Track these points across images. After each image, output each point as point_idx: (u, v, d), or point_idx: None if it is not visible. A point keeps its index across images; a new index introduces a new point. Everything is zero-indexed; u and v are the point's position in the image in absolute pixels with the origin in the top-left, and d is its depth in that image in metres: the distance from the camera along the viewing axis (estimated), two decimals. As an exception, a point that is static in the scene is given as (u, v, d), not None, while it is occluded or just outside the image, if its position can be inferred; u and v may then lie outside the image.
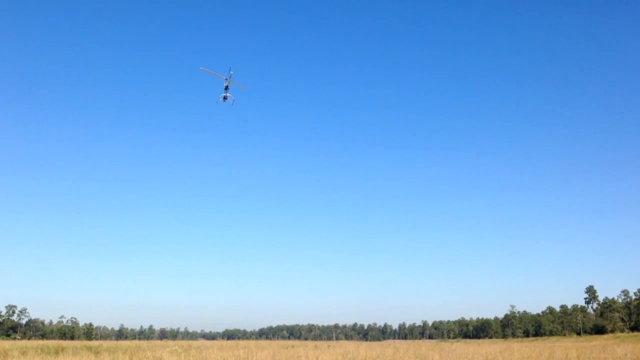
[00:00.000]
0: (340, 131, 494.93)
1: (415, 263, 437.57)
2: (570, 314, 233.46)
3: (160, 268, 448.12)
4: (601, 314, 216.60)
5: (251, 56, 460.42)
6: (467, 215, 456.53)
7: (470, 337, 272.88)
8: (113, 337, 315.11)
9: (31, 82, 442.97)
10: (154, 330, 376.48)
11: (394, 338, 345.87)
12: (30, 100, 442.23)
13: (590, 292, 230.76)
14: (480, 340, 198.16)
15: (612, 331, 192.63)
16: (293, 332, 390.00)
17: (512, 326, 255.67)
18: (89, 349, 59.32)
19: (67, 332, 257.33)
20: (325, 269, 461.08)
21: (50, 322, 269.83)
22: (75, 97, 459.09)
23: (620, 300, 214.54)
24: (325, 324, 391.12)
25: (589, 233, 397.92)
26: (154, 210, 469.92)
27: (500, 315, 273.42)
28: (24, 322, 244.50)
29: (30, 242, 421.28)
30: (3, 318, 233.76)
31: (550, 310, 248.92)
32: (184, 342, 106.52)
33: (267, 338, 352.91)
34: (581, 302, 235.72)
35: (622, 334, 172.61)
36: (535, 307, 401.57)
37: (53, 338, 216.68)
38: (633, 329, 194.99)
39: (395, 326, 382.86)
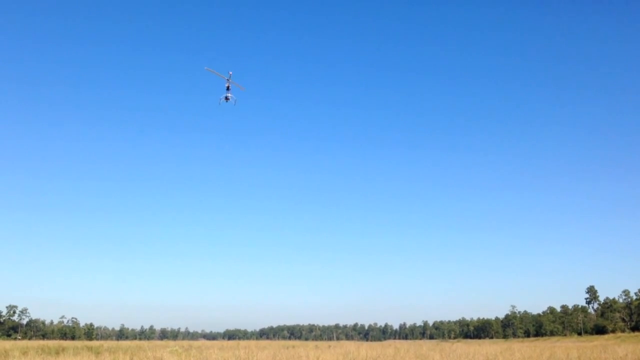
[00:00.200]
0: (340, 131, 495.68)
1: (416, 263, 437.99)
2: (571, 314, 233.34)
3: (161, 268, 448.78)
4: (602, 314, 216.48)
5: (251, 56, 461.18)
6: (468, 216, 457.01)
7: (471, 337, 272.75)
8: (114, 337, 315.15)
9: (31, 81, 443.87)
10: (155, 330, 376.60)
11: (395, 338, 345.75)
12: (30, 100, 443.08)
13: (591, 292, 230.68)
14: (481, 341, 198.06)
15: (613, 331, 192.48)
16: (294, 332, 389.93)
17: (513, 326, 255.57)
18: (90, 349, 59.35)
19: (68, 332, 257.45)
20: (325, 269, 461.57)
21: (51, 322, 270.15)
22: (75, 97, 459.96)
23: (621, 301, 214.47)
24: (326, 324, 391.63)
25: (590, 233, 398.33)
26: (154, 210, 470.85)
27: (501, 316, 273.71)
28: (24, 322, 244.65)
29: (31, 242, 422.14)
30: (4, 318, 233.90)
31: (551, 310, 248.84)
32: (185, 342, 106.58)
33: (267, 338, 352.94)
34: (582, 302, 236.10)
35: (622, 334, 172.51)
36: (536, 307, 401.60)
37: (54, 338, 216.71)
38: (634, 329, 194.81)
39: (395, 326, 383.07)
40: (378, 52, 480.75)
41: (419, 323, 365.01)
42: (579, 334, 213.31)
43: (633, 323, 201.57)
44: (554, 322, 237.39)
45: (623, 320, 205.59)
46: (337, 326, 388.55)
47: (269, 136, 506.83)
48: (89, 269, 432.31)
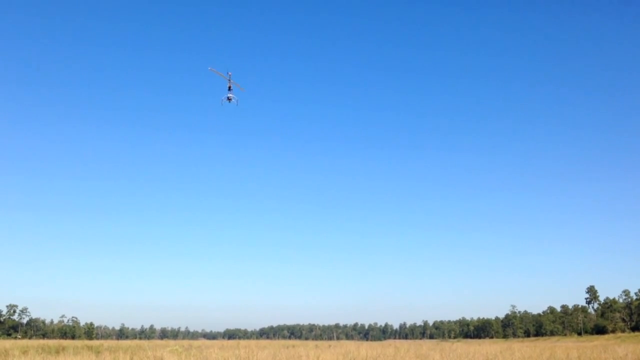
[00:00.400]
0: (339, 131, 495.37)
1: (416, 263, 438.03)
2: (571, 314, 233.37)
3: (162, 268, 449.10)
4: (602, 314, 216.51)
5: (251, 56, 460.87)
6: (468, 215, 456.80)
7: (471, 337, 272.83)
8: (114, 337, 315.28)
9: (30, 81, 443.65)
10: (155, 329, 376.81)
11: (395, 338, 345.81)
12: (30, 100, 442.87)
13: (591, 292, 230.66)
14: (481, 340, 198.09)
15: (613, 331, 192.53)
16: (294, 332, 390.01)
17: (513, 326, 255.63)
18: (90, 348, 59.36)
19: (68, 331, 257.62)
20: (326, 268, 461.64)
21: (51, 322, 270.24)
22: (75, 97, 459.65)
23: (621, 301, 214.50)
24: (326, 323, 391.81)
25: (590, 233, 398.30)
26: (155, 210, 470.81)
27: (501, 315, 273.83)
28: (24, 321, 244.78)
29: (32, 242, 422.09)
30: (4, 317, 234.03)
31: (551, 310, 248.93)
32: (185, 342, 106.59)
33: (267, 338, 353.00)
34: (582, 302, 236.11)
35: (623, 334, 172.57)
36: (536, 307, 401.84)
37: (54, 337, 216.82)
38: (634, 329, 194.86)
39: (396, 326, 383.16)
40: (378, 53, 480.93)
41: (419, 323, 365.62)
42: (579, 334, 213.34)
43: (633, 323, 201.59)
44: (554, 322, 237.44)
45: (623, 320, 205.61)
46: (337, 326, 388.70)
47: (268, 136, 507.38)
48: (90, 268, 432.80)
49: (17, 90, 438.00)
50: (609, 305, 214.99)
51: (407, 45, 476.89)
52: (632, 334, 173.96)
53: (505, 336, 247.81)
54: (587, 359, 31.56)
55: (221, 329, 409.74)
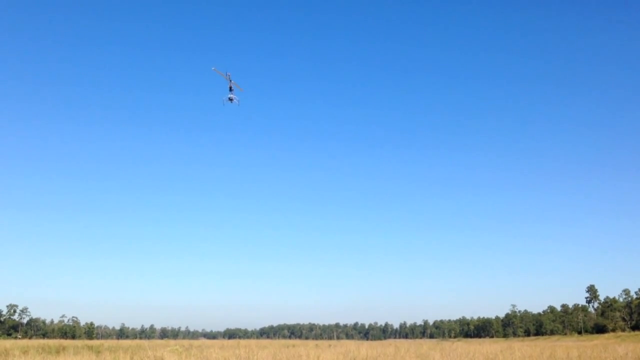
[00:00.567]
0: (340, 131, 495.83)
1: (416, 262, 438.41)
2: (571, 313, 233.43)
3: (162, 267, 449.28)
4: (602, 313, 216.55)
5: (252, 56, 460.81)
6: (468, 215, 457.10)
7: (471, 337, 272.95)
8: (114, 337, 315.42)
9: (31, 81, 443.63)
10: (155, 329, 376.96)
11: (395, 337, 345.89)
12: (30, 99, 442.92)
13: (591, 291, 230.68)
14: (481, 340, 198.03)
15: (613, 330, 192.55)
16: (294, 332, 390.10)
17: (513, 325, 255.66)
18: (90, 348, 59.32)
19: (68, 331, 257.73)
20: (326, 268, 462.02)
21: (52, 322, 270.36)
22: (75, 96, 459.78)
23: (621, 300, 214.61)
24: (326, 323, 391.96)
25: (590, 232, 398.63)
26: (155, 210, 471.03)
27: (501, 315, 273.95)
28: (25, 321, 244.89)
29: (32, 242, 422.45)
30: (4, 317, 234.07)
31: (551, 309, 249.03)
32: (185, 342, 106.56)
33: (268, 337, 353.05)
34: (582, 302, 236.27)
35: (623, 333, 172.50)
36: (536, 306, 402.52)
37: (54, 337, 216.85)
38: (634, 328, 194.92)
39: (396, 325, 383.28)
40: (378, 52, 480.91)
41: (419, 322, 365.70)
42: (579, 333, 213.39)
43: (633, 322, 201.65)
44: (554, 321, 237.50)
45: (623, 319, 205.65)
46: (337, 325, 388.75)
47: (268, 136, 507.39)
48: (90, 268, 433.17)
49: (17, 90, 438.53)
50: (609, 305, 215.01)
51: (407, 44, 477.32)
52: (632, 333, 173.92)
53: (505, 335, 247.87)
54: (587, 358, 31.54)
55: (221, 329, 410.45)
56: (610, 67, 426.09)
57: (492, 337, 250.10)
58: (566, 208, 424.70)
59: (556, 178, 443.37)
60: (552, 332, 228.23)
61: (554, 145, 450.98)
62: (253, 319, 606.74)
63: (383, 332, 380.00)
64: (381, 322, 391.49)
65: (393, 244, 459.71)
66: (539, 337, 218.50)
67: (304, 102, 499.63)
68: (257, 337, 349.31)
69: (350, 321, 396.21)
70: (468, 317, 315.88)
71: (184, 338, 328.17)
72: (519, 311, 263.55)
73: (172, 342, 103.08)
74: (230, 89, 49.67)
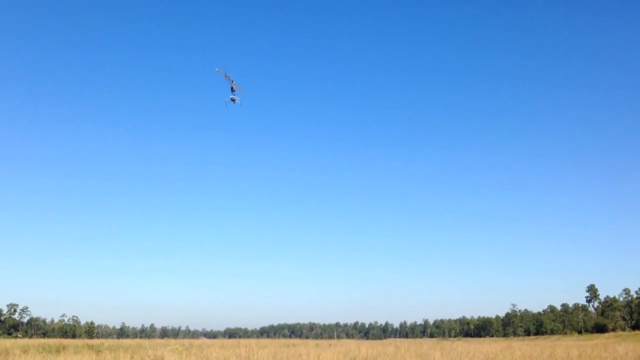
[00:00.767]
0: (340, 130, 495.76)
1: (417, 262, 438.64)
2: (571, 313, 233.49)
3: (162, 267, 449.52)
4: (602, 313, 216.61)
5: (251, 56, 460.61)
6: (468, 214, 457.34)
7: (471, 336, 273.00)
8: (114, 336, 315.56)
9: (31, 80, 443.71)
10: (156, 328, 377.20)
11: (395, 337, 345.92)
12: (30, 99, 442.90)
13: (592, 290, 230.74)
14: (482, 339, 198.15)
15: (614, 330, 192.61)
16: (294, 331, 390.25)
17: (513, 325, 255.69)
18: (90, 347, 59.31)
19: (69, 330, 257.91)
20: (326, 267, 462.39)
21: (52, 321, 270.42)
22: (75, 96, 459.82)
23: (621, 299, 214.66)
24: (327, 322, 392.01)
25: (590, 232, 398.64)
26: (155, 209, 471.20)
27: (502, 314, 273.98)
28: (25, 320, 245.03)
29: (32, 241, 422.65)
30: (4, 316, 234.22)
31: (552, 309, 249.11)
32: (186, 341, 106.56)
33: (268, 336, 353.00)
34: (582, 301, 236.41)
35: (623, 333, 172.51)
36: (536, 305, 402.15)
37: (54, 336, 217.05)
38: (634, 327, 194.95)
39: (396, 325, 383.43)
40: (379, 52, 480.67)
41: (420, 321, 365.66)
42: (580, 332, 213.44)
43: (633, 322, 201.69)
44: (554, 320, 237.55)
45: (623, 318, 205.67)
46: (337, 325, 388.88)
47: (268, 136, 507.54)
48: (90, 267, 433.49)
49: (18, 89, 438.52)
50: (609, 304, 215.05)
51: (407, 44, 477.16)
52: (632, 332, 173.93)
53: (505, 335, 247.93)
54: (587, 358, 31.53)
55: (222, 328, 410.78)
56: (610, 67, 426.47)
57: (492, 336, 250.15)
58: (566, 207, 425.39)
59: (556, 178, 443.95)
60: (552, 332, 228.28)
61: (554, 145, 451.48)
62: (253, 319, 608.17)
63: (383, 332, 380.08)
64: (381, 322, 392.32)
65: (393, 244, 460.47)
66: (539, 336, 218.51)
67: (304, 102, 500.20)
68: (258, 337, 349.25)
69: (350, 320, 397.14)
70: (468, 316, 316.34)
71: (184, 337, 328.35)
72: (519, 310, 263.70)
73: (172, 341, 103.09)
74: (232, 90, 49.69)
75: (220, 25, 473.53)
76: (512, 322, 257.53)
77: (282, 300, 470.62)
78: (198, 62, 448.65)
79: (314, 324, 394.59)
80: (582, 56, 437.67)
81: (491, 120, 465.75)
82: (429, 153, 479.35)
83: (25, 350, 46.83)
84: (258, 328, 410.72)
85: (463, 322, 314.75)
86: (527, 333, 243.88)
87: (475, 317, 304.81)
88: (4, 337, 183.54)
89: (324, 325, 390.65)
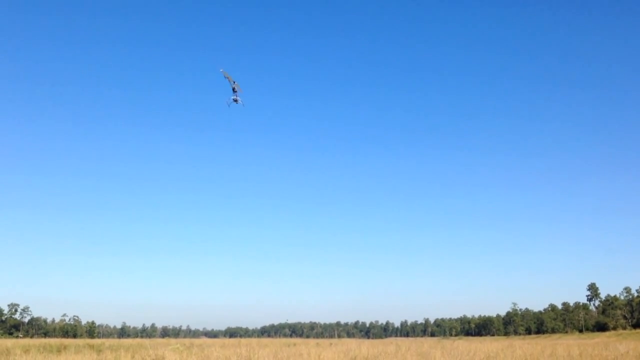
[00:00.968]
0: (340, 130, 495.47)
1: (417, 261, 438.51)
2: (572, 312, 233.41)
3: (163, 266, 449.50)
4: (603, 311, 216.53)
5: (251, 56, 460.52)
6: (469, 213, 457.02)
7: (472, 335, 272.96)
8: (115, 335, 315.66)
9: (31, 81, 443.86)
10: (156, 328, 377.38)
11: (396, 336, 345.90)
12: (30, 99, 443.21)
13: (592, 289, 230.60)
14: (482, 338, 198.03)
15: (614, 328, 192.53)
16: (295, 330, 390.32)
17: (514, 324, 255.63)
18: (91, 347, 59.36)
19: (70, 330, 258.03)
20: (327, 267, 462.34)
21: (53, 321, 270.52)
22: (74, 96, 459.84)
23: (622, 298, 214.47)
24: (327, 321, 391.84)
25: (591, 230, 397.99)
26: (156, 209, 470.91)
27: (502, 313, 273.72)
28: (26, 320, 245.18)
29: (33, 241, 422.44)
30: (5, 316, 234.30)
31: (552, 307, 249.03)
32: (186, 340, 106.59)
33: (269, 336, 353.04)
34: (583, 300, 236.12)
35: (624, 331, 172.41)
36: (537, 304, 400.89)
37: (55, 336, 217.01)
38: (635, 326, 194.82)
39: (397, 324, 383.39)
40: (379, 51, 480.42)
41: (420, 321, 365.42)
42: (580, 331, 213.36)
43: (634, 320, 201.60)
44: (555, 319, 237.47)
45: (624, 317, 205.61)
46: (338, 324, 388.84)
47: (269, 135, 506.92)
48: (91, 267, 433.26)
49: (17, 90, 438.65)
50: (610, 303, 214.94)
51: (408, 43, 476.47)
52: (633, 331, 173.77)
53: (506, 334, 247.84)
54: (588, 356, 31.53)
55: (222, 328, 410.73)
56: (611, 66, 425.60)
57: (493, 335, 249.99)
58: (567, 206, 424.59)
59: (557, 176, 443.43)
60: (553, 331, 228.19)
61: (554, 143, 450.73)
62: (254, 318, 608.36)
63: (384, 331, 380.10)
64: (382, 321, 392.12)
65: (394, 243, 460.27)
66: (540, 335, 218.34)
67: (304, 101, 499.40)
68: (258, 336, 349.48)
69: (351, 320, 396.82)
70: (469, 315, 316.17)
71: (185, 337, 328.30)
72: (520, 309, 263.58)
73: (173, 340, 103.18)
74: (234, 91, 49.73)
75: (221, 24, 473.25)
76: (513, 321, 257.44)
77: (283, 299, 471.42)
78: (198, 61, 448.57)
79: (314, 323, 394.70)
80: (582, 55, 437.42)
81: (491, 119, 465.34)
82: (430, 152, 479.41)
83: (26, 350, 46.88)
84: (259, 327, 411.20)
85: (464, 321, 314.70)
86: (528, 332, 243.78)
87: (476, 316, 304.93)
88: (5, 337, 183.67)
89: (324, 324, 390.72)
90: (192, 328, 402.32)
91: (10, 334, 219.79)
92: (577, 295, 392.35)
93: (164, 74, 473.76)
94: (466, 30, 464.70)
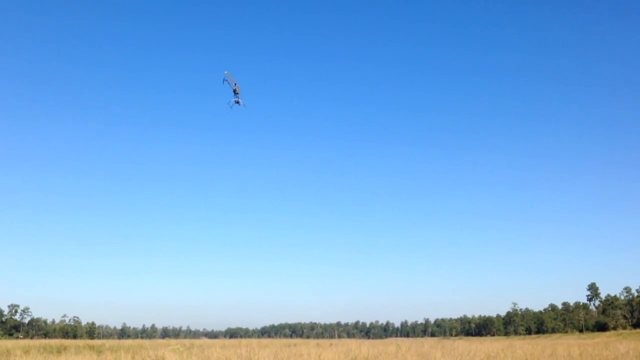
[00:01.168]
0: (340, 129, 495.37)
1: (417, 261, 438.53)
2: (572, 311, 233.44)
3: (163, 267, 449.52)
4: (603, 311, 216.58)
5: (252, 56, 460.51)
6: (469, 213, 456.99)
7: (472, 335, 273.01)
8: (115, 336, 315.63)
9: (31, 81, 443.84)
10: (157, 329, 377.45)
11: (396, 336, 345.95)
12: (30, 99, 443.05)
13: (592, 289, 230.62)
14: (483, 338, 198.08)
15: (615, 328, 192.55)
16: (295, 331, 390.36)
17: (515, 324, 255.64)
18: (92, 348, 59.35)
19: (70, 331, 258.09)
20: (327, 267, 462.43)
21: (53, 321, 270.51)
22: (75, 96, 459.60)
23: (622, 298, 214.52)
24: (328, 322, 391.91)
25: (591, 230, 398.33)
26: (156, 209, 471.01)
27: (503, 313, 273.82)
28: (26, 321, 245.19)
29: (33, 241, 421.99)
30: (6, 317, 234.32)
31: (553, 307, 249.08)
32: (186, 341, 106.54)
33: (269, 336, 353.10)
34: (583, 300, 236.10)
35: (624, 331, 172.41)
36: (537, 304, 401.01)
37: (55, 337, 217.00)
38: (635, 326, 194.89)
39: (397, 324, 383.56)
40: (380, 52, 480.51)
41: (421, 321, 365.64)
42: (581, 331, 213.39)
43: (634, 320, 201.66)
44: (555, 319, 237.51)
45: (624, 317, 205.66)
46: (338, 324, 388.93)
47: (269, 135, 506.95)
48: (91, 267, 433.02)
49: (17, 90, 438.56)
50: (610, 302, 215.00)
51: (409, 43, 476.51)
52: (633, 330, 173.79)
53: (506, 334, 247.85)
54: (588, 356, 31.52)
55: (222, 328, 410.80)
56: (612, 66, 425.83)
57: (493, 335, 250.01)
58: (567, 206, 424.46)
59: (557, 176, 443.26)
60: (553, 330, 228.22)
61: (554, 143, 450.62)
62: (254, 318, 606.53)
63: (384, 331, 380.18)
64: (382, 321, 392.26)
65: (394, 243, 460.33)
66: (540, 335, 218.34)
67: (305, 101, 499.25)
68: (259, 336, 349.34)
69: (351, 320, 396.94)
70: (469, 315, 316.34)
71: (185, 337, 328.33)
72: (520, 309, 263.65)
73: (173, 341, 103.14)
74: (235, 92, 49.87)
75: (222, 25, 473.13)
76: (513, 321, 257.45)
77: (283, 300, 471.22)
78: (199, 62, 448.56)
79: (315, 323, 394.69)
80: (583, 55, 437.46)
81: (491, 119, 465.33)
82: (430, 152, 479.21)
83: (26, 351, 46.88)
84: (259, 328, 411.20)
85: (464, 321, 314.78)
86: (529, 332, 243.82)
87: (477, 316, 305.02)
88: (5, 338, 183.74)
89: (325, 324, 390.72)
90: (192, 329, 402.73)
91: (11, 334, 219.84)
92: (577, 295, 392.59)
93: (164, 75, 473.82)
94: (466, 30, 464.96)
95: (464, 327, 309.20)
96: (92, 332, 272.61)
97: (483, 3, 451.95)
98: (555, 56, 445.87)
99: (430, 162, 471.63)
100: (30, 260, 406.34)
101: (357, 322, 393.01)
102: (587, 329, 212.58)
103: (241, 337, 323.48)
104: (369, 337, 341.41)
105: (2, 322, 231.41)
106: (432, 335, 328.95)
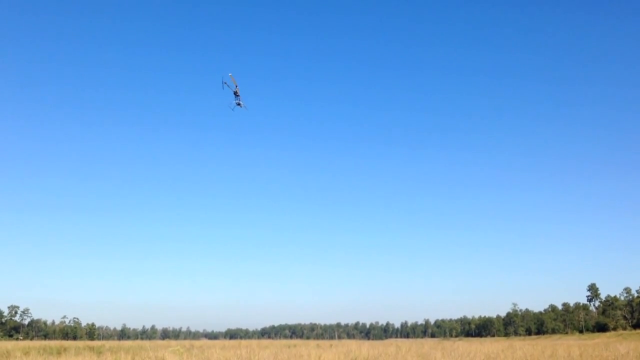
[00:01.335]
0: (341, 130, 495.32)
1: (418, 261, 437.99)
2: (572, 312, 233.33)
3: (163, 268, 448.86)
4: (603, 312, 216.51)
5: (252, 57, 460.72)
6: (469, 214, 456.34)
7: (472, 336, 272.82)
8: (115, 337, 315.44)
9: (31, 81, 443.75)
10: (157, 330, 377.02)
11: (396, 337, 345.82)
12: (30, 99, 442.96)
13: (593, 289, 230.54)
14: (483, 339, 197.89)
15: (615, 329, 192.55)
16: (295, 331, 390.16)
17: (515, 324, 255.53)
18: (92, 349, 59.36)
19: (70, 332, 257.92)
20: (327, 268, 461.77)
21: (53, 323, 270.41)
22: (75, 96, 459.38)
23: (622, 298, 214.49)
24: (328, 323, 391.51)
25: (591, 231, 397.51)
26: (156, 210, 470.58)
27: (503, 314, 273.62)
28: (26, 322, 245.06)
29: (32, 242, 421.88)
30: (5, 318, 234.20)
31: (553, 308, 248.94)
32: (186, 342, 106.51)
33: (269, 337, 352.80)
34: (583, 300, 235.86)
35: (624, 332, 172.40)
36: (537, 305, 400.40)
37: (55, 338, 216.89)
38: (635, 326, 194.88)
39: (397, 325, 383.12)
40: (380, 52, 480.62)
41: (421, 321, 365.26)
42: (581, 331, 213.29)
43: (634, 320, 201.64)
44: (555, 320, 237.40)
45: (624, 317, 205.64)
46: (338, 325, 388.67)
47: (269, 135, 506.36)
48: (91, 268, 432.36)
49: (17, 90, 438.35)
50: (610, 303, 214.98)
51: (409, 43, 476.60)
52: (633, 331, 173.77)
53: (506, 334, 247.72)
54: (588, 357, 31.53)
55: (222, 329, 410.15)
56: (612, 66, 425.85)
57: (493, 336, 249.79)
58: (567, 206, 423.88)
59: (557, 176, 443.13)
60: (553, 331, 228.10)
61: (554, 143, 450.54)
62: (254, 319, 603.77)
63: (384, 332, 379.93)
64: (382, 322, 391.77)
65: (394, 243, 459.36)
66: (540, 336, 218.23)
67: (306, 101, 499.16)
68: (259, 337, 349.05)
69: (351, 321, 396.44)
70: (469, 316, 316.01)
71: (185, 338, 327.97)
72: (520, 310, 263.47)
73: (173, 342, 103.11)
74: (236, 95, 50.09)
75: (222, 25, 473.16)
76: (513, 321, 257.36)
77: (283, 300, 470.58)
78: (200, 62, 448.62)
79: (314, 324, 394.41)
80: (583, 55, 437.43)
81: (491, 119, 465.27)
82: (430, 152, 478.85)
83: (26, 352, 46.91)
84: (259, 329, 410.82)
85: (464, 322, 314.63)
86: (529, 332, 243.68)
87: (477, 316, 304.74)
88: (4, 339, 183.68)
89: (325, 325, 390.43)
90: (192, 330, 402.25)
91: (10, 336, 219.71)
92: (578, 296, 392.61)
93: (164, 75, 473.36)
94: (466, 30, 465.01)
95: (464, 328, 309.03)
96: (92, 333, 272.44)
97: (483, 3, 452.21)
98: (555, 56, 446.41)
99: (430, 162, 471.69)
100: (30, 261, 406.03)
101: (357, 323, 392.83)
102: (587, 330, 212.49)
103: (241, 338, 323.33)
104: (369, 338, 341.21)
105: (2, 323, 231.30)
106: (432, 336, 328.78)
